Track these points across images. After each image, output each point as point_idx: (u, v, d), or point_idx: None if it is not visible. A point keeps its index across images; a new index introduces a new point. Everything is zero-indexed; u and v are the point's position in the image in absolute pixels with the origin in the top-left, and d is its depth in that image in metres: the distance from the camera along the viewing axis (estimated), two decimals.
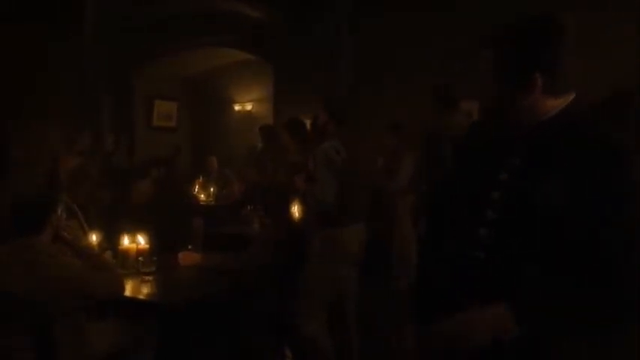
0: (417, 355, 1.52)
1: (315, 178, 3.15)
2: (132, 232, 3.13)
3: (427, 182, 3.96)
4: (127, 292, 2.60)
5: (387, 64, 6.34)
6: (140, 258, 2.99)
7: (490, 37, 1.32)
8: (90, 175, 3.86)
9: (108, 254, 3.01)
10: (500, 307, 1.21)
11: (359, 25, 6.15)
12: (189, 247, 3.20)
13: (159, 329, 2.67)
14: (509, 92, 1.30)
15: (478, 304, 1.25)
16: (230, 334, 2.88)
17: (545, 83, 1.25)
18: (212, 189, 6.27)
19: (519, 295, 1.22)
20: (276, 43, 7.26)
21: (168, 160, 6.10)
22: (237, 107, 9.41)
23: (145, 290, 2.79)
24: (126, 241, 3.09)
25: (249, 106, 9.29)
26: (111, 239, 3.19)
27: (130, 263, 3.00)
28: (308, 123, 4.30)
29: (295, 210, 3.69)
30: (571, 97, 1.29)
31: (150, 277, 2.89)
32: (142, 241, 3.09)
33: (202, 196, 6.20)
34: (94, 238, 3.09)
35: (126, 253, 3.04)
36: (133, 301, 2.63)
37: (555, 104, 1.29)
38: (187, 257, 3.13)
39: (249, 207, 4.50)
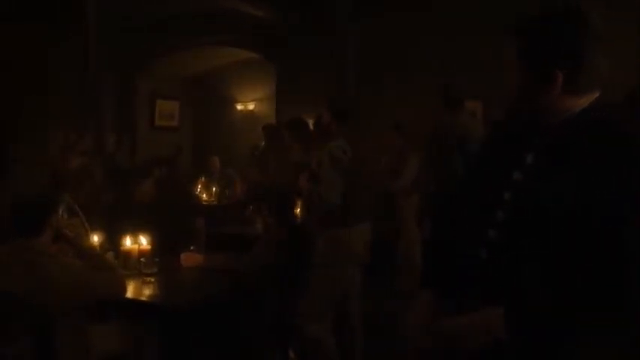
0: (416, 355, 1.49)
1: (320, 178, 3.13)
2: (134, 232, 3.11)
3: (433, 183, 3.94)
4: (129, 294, 2.57)
5: (387, 64, 6.32)
6: (142, 259, 2.97)
7: (514, 26, 1.28)
8: (92, 175, 3.85)
9: (110, 255, 2.99)
10: (501, 307, 1.20)
11: (359, 25, 6.12)
12: (192, 247, 3.19)
13: (160, 330, 2.65)
14: (530, 87, 1.26)
15: (480, 304, 1.24)
16: (232, 334, 2.85)
17: (566, 81, 1.22)
18: (214, 189, 6.24)
19: (519, 295, 1.20)
20: (277, 43, 7.25)
21: (170, 159, 6.07)
22: (239, 106, 9.40)
23: (146, 291, 2.76)
24: (128, 242, 3.07)
25: (251, 106, 9.28)
26: (113, 240, 3.18)
27: (131, 264, 2.98)
28: (310, 122, 4.28)
29: (298, 210, 3.67)
30: (594, 96, 1.25)
31: (152, 279, 2.87)
32: (144, 242, 3.07)
33: (204, 196, 6.18)
34: (95, 238, 3.07)
35: (128, 254, 3.03)
36: (134, 302, 2.60)
37: (577, 103, 1.25)
38: (189, 258, 3.11)
39: (251, 207, 4.47)
